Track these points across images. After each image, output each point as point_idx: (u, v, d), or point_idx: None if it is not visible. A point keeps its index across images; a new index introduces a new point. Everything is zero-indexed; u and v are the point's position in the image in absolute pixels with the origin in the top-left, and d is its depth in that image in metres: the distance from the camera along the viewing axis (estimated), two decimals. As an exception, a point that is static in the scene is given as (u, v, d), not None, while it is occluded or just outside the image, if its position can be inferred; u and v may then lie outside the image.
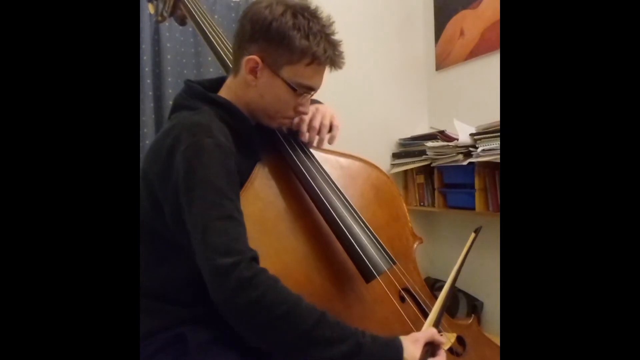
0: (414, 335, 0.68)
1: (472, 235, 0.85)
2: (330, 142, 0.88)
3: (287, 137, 0.89)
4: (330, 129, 0.90)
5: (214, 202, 0.66)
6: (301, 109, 0.83)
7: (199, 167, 0.67)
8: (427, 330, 0.70)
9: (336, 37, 0.80)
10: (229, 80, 0.85)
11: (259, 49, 0.77)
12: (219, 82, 0.88)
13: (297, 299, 0.64)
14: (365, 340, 0.64)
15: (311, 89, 0.81)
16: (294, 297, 0.64)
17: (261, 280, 0.63)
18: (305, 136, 0.87)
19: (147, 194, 0.74)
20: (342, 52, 0.81)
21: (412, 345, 0.66)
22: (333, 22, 0.81)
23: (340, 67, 0.82)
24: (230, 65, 0.87)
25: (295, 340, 0.62)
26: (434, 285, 2.04)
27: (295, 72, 0.78)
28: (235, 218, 0.67)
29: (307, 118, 0.87)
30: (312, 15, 0.78)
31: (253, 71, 0.78)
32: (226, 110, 0.79)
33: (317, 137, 0.89)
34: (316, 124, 0.87)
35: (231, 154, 0.72)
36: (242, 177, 0.78)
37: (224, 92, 0.84)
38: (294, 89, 0.78)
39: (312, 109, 0.88)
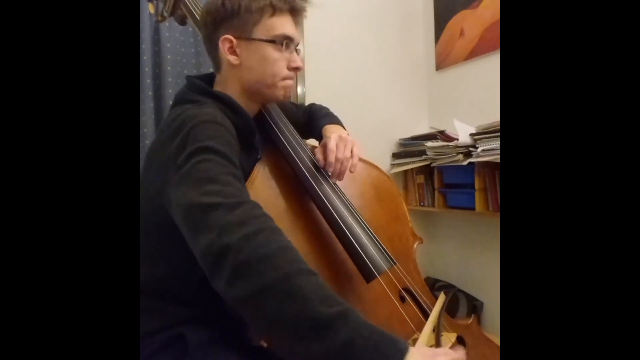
0: (431, 351, 0.57)
1: (442, 296, 0.83)
2: (351, 170, 0.88)
3: (287, 136, 0.89)
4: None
5: (218, 162, 0.65)
6: (293, 64, 0.84)
7: (202, 139, 0.66)
8: (445, 350, 0.60)
9: None
10: (217, 78, 0.86)
11: (226, 30, 0.80)
12: (212, 78, 0.89)
13: (290, 245, 0.57)
14: (359, 318, 0.52)
15: (289, 38, 0.82)
16: (288, 243, 0.58)
17: (265, 220, 0.60)
18: (332, 167, 0.86)
19: (148, 189, 0.74)
20: None
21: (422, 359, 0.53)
22: None
23: (302, 9, 0.84)
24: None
25: (270, 285, 0.52)
26: (434, 285, 2.04)
27: (265, 28, 0.80)
28: (240, 178, 0.66)
29: (334, 147, 0.86)
30: None
31: (231, 50, 0.81)
32: (228, 105, 0.80)
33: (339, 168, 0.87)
34: (340, 155, 0.86)
35: (234, 137, 0.73)
36: (243, 174, 0.78)
37: (218, 88, 0.85)
38: (273, 42, 0.80)
39: (335, 137, 0.88)
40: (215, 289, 0.57)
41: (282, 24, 0.81)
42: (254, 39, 0.80)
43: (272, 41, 0.80)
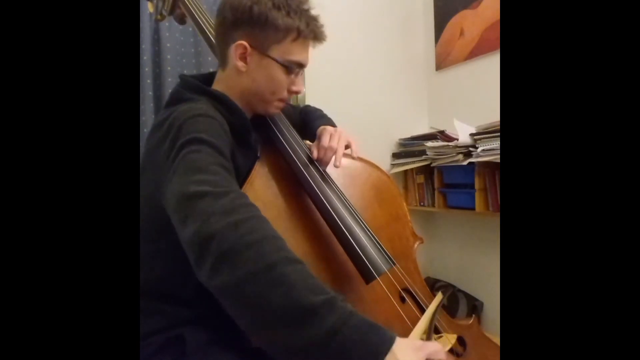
0: (419, 342, 0.56)
1: (439, 296, 0.82)
2: (353, 156, 0.90)
3: (287, 136, 0.89)
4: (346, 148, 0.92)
5: (208, 152, 0.65)
6: (294, 88, 0.84)
7: (192, 131, 0.66)
8: (434, 343, 0.58)
9: (313, 12, 0.82)
10: (219, 74, 0.86)
11: (244, 35, 0.79)
12: (211, 77, 0.88)
13: (277, 234, 0.56)
14: (346, 307, 0.52)
15: (301, 65, 0.82)
16: (274, 232, 0.57)
17: (251, 209, 0.58)
18: (325, 156, 0.87)
19: (145, 190, 0.74)
20: (322, 25, 0.83)
21: (410, 351, 0.52)
22: None
23: (324, 40, 0.83)
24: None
25: (254, 273, 0.51)
26: (434, 286, 2.04)
27: (283, 50, 0.79)
28: (230, 170, 0.66)
29: (326, 140, 0.87)
30: None
31: (243, 57, 0.80)
32: (223, 103, 0.79)
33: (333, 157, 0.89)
34: (334, 144, 0.87)
35: (226, 131, 0.73)
36: (240, 173, 0.78)
37: (216, 86, 0.85)
38: (285, 66, 0.80)
39: (330, 129, 0.89)
40: (199, 279, 0.56)
41: (301, 51, 0.81)
42: (268, 56, 0.79)
43: (285, 65, 0.80)
